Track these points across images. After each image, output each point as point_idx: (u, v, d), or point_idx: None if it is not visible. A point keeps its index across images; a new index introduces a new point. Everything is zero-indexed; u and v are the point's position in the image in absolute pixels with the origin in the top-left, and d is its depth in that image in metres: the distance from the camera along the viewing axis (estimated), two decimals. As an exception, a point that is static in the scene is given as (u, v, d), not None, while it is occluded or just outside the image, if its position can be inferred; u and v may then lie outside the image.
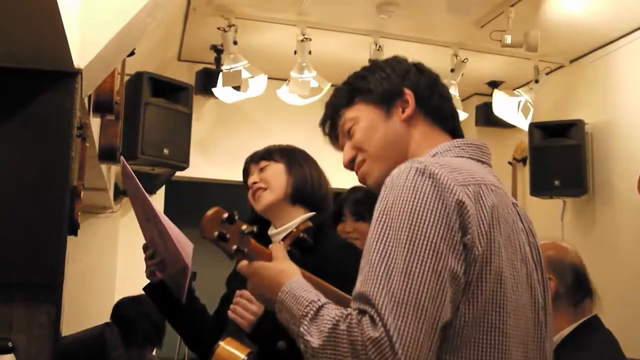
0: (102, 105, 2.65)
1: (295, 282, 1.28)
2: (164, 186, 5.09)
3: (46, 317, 1.99)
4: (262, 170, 2.08)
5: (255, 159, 2.11)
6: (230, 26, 4.31)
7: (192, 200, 4.88)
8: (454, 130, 1.44)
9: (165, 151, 4.16)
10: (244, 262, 1.39)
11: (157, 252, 2.02)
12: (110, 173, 4.32)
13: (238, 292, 1.85)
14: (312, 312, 1.16)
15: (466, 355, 1.15)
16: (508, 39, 4.06)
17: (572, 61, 5.00)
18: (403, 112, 1.40)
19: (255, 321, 1.81)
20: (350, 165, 1.45)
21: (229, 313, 1.86)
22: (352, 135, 1.43)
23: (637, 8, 4.09)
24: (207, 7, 4.29)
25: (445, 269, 1.11)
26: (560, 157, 4.72)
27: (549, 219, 4.93)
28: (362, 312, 1.09)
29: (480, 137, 5.58)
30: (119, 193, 4.80)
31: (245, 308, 1.83)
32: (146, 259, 2.05)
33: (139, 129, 4.00)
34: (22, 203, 2.02)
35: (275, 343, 1.78)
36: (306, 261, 1.57)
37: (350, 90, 1.46)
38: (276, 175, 2.06)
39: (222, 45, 4.56)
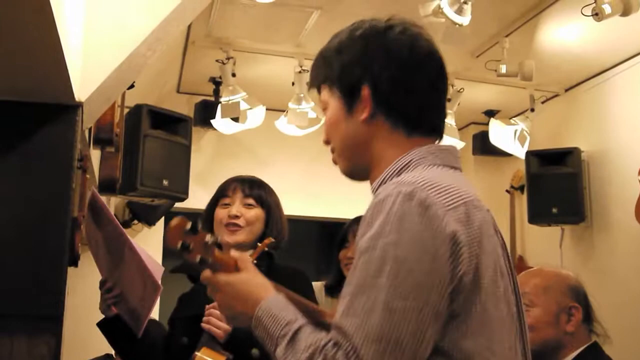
0: (102, 137, 2.68)
1: (273, 299, 1.22)
2: (163, 217, 5.10)
3: (46, 348, 1.99)
4: (248, 206, 2.17)
5: (246, 193, 2.19)
6: (228, 58, 4.37)
7: (192, 231, 4.86)
8: (428, 129, 1.29)
9: (165, 182, 4.18)
10: (208, 272, 1.30)
11: (116, 284, 2.10)
12: (110, 205, 4.33)
13: (210, 305, 1.94)
14: (289, 335, 1.13)
15: None
16: (503, 69, 4.10)
17: (567, 90, 5.05)
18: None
19: (230, 330, 1.90)
20: (327, 144, 1.35)
21: (203, 325, 1.94)
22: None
23: (629, 37, 4.15)
24: (206, 40, 4.35)
25: (429, 307, 1.06)
26: (557, 185, 4.74)
27: (548, 247, 4.94)
28: (336, 345, 1.06)
29: (477, 166, 5.64)
30: (118, 225, 4.80)
31: (220, 318, 1.91)
32: (103, 293, 2.12)
33: (139, 161, 4.02)
34: (23, 234, 2.03)
35: (250, 350, 1.87)
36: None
37: (320, 73, 1.34)
38: (258, 221, 2.17)
39: (220, 77, 4.60)
